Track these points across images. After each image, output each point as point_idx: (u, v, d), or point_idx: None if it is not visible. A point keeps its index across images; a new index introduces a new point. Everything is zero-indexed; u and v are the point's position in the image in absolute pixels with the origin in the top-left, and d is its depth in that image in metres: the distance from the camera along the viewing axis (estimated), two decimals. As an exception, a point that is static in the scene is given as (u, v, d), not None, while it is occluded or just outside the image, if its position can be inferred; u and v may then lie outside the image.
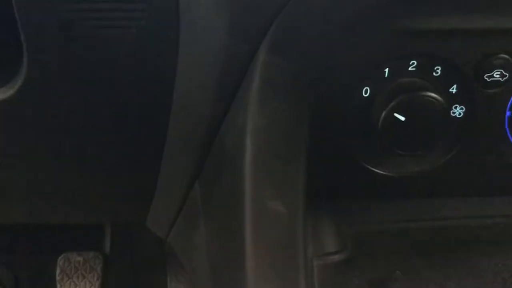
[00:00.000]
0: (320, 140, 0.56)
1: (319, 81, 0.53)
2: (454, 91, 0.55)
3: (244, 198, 0.51)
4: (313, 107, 0.53)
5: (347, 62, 0.53)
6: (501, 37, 0.52)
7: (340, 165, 0.59)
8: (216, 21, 0.48)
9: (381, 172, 0.59)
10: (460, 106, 0.56)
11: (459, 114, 0.56)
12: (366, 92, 0.55)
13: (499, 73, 0.53)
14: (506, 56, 0.53)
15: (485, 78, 0.54)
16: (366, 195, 0.62)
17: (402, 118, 0.53)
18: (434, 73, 0.54)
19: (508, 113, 0.57)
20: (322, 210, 0.61)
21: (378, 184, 0.60)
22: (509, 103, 0.56)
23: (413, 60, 0.53)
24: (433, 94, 0.52)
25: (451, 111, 0.56)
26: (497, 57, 0.53)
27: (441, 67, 0.54)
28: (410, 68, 0.53)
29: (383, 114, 0.53)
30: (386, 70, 0.54)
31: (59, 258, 1.04)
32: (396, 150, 0.55)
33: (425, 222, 0.64)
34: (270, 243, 0.52)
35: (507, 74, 0.53)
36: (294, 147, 0.53)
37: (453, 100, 0.55)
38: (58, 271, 1.04)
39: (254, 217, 0.51)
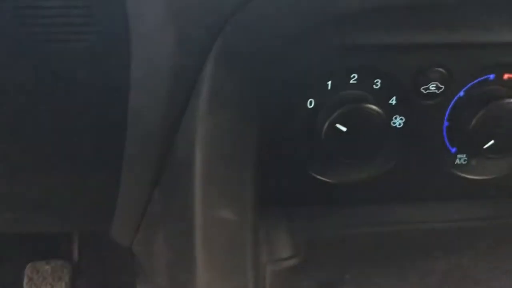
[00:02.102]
0: (269, 149, 0.58)
1: (265, 92, 0.55)
2: (393, 102, 0.57)
3: (195, 207, 0.53)
4: (261, 117, 0.55)
5: (292, 75, 0.55)
6: (436, 51, 0.54)
7: (289, 173, 0.61)
8: (163, 35, 0.49)
9: (328, 180, 0.61)
10: (400, 116, 0.58)
11: (399, 124, 0.58)
12: (310, 104, 0.57)
13: (434, 85, 0.56)
14: (441, 70, 0.55)
15: (422, 90, 0.56)
16: (315, 202, 0.64)
17: (344, 129, 0.55)
18: (374, 86, 0.56)
19: (446, 123, 0.59)
20: (275, 217, 0.63)
21: (326, 191, 0.62)
22: (447, 114, 0.58)
23: (354, 73, 0.55)
24: (373, 106, 0.55)
25: (392, 122, 0.58)
26: (432, 71, 0.55)
27: (380, 80, 0.56)
28: (351, 81, 0.56)
29: (326, 124, 0.55)
30: (329, 83, 0.56)
31: (27, 267, 1.04)
32: (340, 158, 0.58)
33: (374, 227, 0.66)
34: (219, 250, 0.53)
35: (442, 86, 0.56)
36: (243, 157, 0.55)
37: (393, 111, 0.57)
38: (25, 281, 1.03)
39: (204, 225, 0.53)
